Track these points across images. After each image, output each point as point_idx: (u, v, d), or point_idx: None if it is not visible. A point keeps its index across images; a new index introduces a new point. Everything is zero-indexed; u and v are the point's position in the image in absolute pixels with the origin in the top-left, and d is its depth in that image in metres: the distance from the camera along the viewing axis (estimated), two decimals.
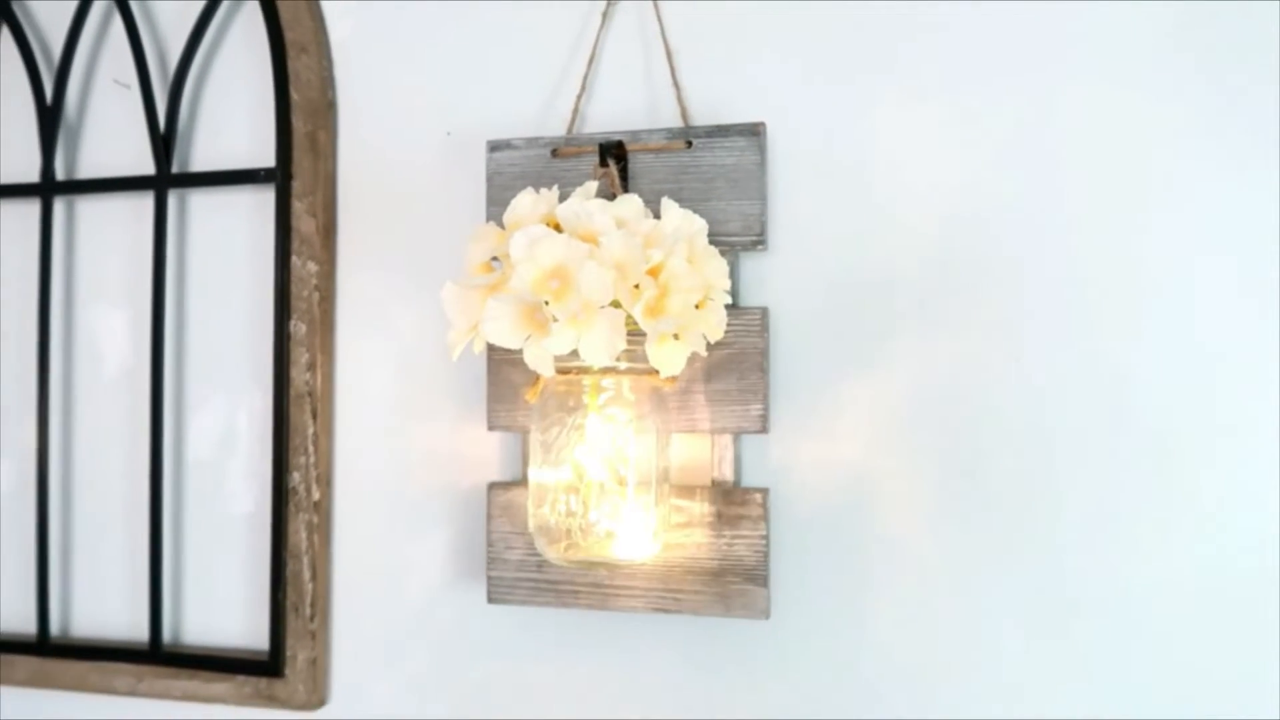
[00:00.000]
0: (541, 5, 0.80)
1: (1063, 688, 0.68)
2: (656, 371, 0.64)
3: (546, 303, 0.59)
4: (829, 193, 0.73)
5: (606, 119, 0.78)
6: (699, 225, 0.63)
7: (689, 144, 0.73)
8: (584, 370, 0.65)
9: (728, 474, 0.73)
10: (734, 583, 0.71)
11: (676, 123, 0.76)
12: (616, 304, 0.60)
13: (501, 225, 0.66)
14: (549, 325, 0.59)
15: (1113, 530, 0.67)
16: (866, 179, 0.73)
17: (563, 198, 0.65)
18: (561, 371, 0.64)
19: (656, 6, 0.76)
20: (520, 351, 0.62)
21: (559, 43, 0.79)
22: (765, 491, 0.71)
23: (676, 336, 0.62)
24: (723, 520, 0.71)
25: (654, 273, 0.60)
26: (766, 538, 0.70)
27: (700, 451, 0.73)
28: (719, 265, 0.63)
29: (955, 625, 0.70)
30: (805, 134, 0.74)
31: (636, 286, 0.60)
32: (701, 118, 0.76)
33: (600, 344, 0.59)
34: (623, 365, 0.65)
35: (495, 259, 0.66)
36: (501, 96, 0.80)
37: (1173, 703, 0.66)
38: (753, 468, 0.74)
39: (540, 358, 0.60)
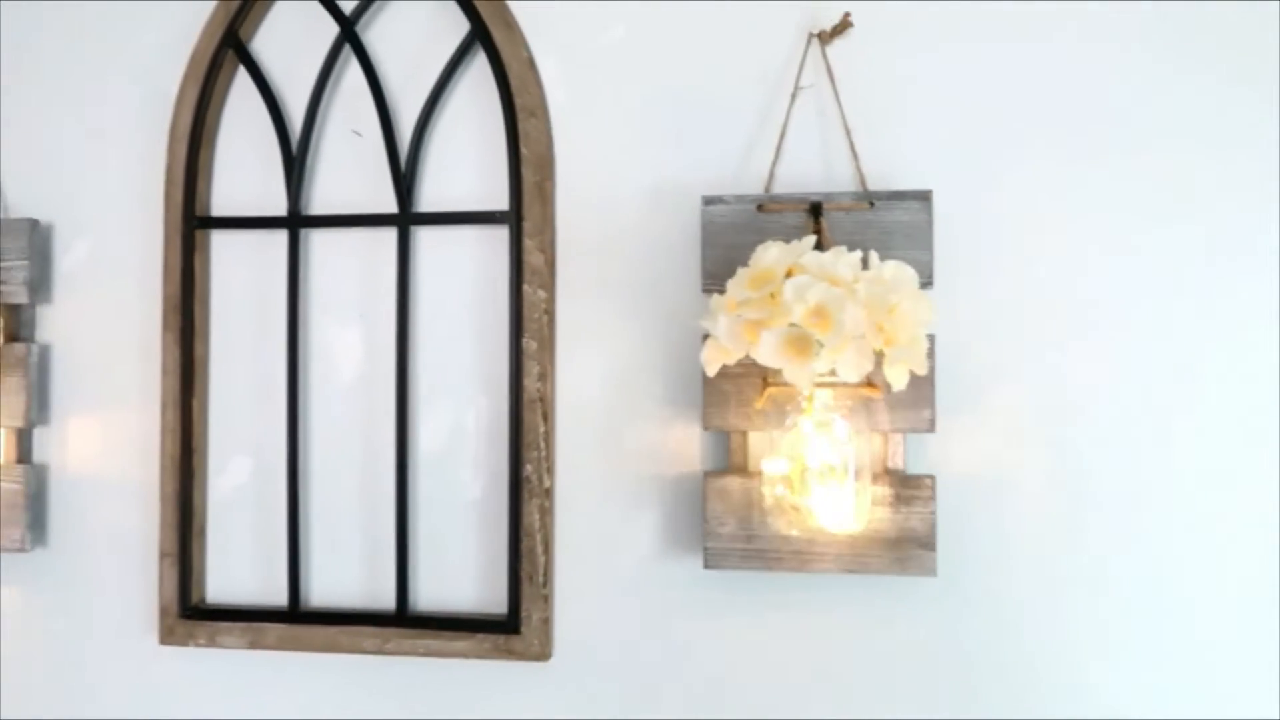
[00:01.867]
0: (735, 84, 0.98)
1: (1174, 654, 0.90)
2: (869, 385, 0.84)
3: (809, 334, 0.78)
4: (978, 242, 0.94)
5: (792, 180, 0.97)
6: (911, 273, 0.83)
7: (871, 204, 0.92)
8: (831, 384, 0.83)
9: (900, 464, 0.93)
10: (909, 548, 0.91)
11: (850, 185, 0.96)
12: (861, 335, 0.79)
13: (723, 266, 0.85)
14: (811, 351, 0.78)
15: (1214, 523, 0.90)
16: (1009, 231, 0.94)
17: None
18: (820, 385, 0.83)
19: (835, 91, 0.96)
20: (730, 366, 0.82)
21: (750, 114, 0.98)
22: (933, 477, 0.91)
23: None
24: (900, 500, 0.91)
25: (890, 311, 0.79)
26: (934, 513, 0.91)
27: (876, 446, 0.93)
28: (928, 305, 0.82)
29: (1078, 589, 0.92)
30: (959, 195, 0.94)
31: (878, 324, 0.79)
32: (872, 180, 0.95)
33: (852, 366, 0.78)
34: (833, 379, 0.85)
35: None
36: (700, 158, 0.98)
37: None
38: (916, 458, 0.94)
39: (803, 376, 0.79)
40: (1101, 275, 0.92)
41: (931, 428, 0.91)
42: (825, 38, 0.96)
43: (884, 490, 0.91)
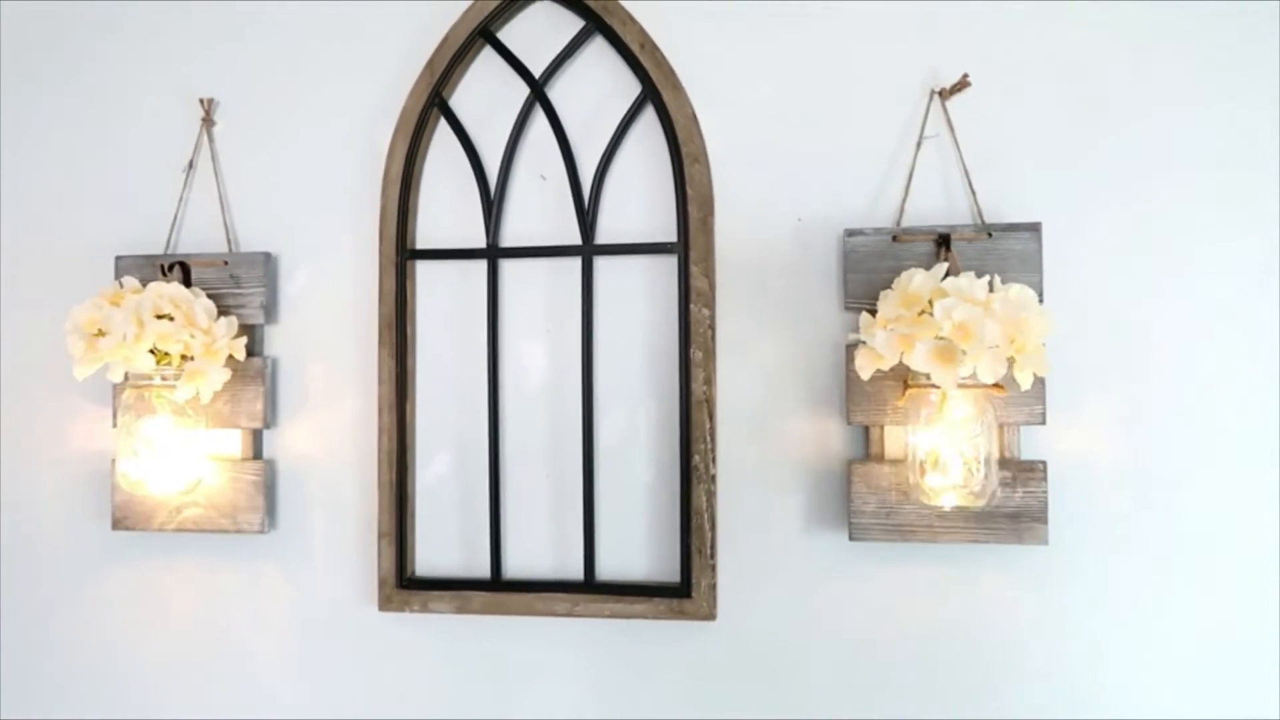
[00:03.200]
0: (868, 133, 1.16)
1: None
2: (995, 386, 1.02)
3: (954, 345, 0.96)
4: (1079, 264, 1.12)
5: (918, 214, 1.15)
6: (1032, 294, 1.00)
7: (989, 235, 1.10)
8: (964, 385, 1.02)
9: (1014, 451, 1.11)
10: (1025, 522, 1.09)
11: (968, 218, 1.14)
12: (996, 345, 0.97)
13: (863, 287, 1.04)
14: (956, 358, 0.97)
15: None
16: (1105, 256, 1.11)
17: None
18: (949, 387, 1.01)
19: (955, 139, 1.14)
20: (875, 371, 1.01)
21: (881, 160, 1.16)
22: (1045, 463, 1.09)
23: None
24: (1016, 481, 1.09)
25: (1019, 325, 0.97)
26: (1046, 493, 1.08)
27: (997, 436, 1.11)
28: (1049, 319, 1.00)
29: (1158, 563, 1.09)
30: (1063, 225, 1.12)
31: (1010, 336, 0.97)
32: (988, 214, 1.13)
33: (989, 370, 0.96)
34: (968, 380, 1.03)
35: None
36: (838, 196, 1.17)
37: None
38: (1029, 446, 1.12)
39: (948, 378, 0.97)
40: (1180, 291, 1.10)
41: (1043, 420, 1.09)
42: (946, 94, 1.14)
43: (1004, 473, 1.09)
